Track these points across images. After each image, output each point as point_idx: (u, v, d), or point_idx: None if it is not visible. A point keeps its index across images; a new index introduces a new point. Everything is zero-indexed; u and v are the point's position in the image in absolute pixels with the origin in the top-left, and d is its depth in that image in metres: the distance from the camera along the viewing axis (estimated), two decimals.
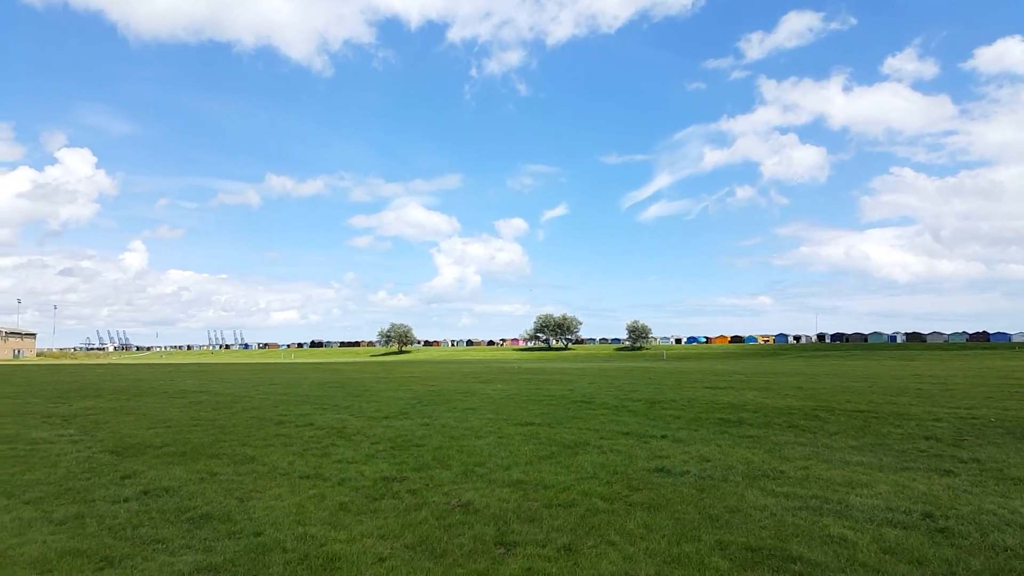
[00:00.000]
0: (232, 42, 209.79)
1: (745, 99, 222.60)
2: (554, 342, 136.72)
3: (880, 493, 7.10)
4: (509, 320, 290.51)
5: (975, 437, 10.73)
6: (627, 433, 11.43)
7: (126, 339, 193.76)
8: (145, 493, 7.20)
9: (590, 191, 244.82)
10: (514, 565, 4.95)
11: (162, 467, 8.68)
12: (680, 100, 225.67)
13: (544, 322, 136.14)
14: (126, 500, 6.90)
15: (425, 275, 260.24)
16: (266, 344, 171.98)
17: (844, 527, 5.85)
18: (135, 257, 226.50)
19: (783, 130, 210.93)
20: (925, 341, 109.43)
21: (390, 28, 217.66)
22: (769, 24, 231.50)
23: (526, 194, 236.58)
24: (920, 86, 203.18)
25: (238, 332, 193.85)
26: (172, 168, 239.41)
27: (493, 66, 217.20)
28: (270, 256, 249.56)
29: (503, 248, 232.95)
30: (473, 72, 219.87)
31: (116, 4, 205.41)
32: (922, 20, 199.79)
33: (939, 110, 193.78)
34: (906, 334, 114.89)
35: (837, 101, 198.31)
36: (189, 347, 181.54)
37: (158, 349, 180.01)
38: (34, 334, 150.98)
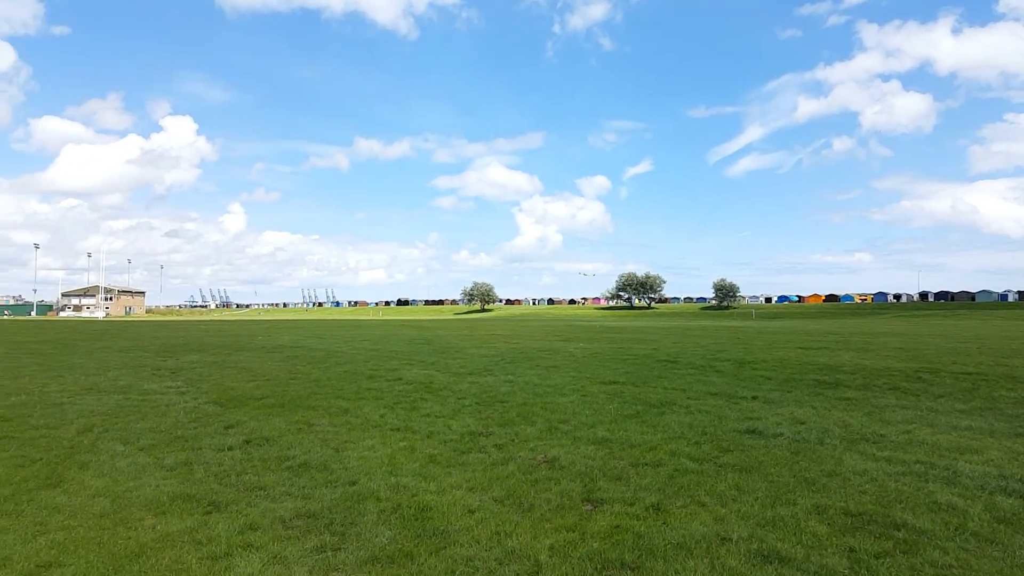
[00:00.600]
0: (321, 8, 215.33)
1: (843, 45, 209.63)
2: (637, 301, 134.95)
3: (992, 460, 6.64)
4: (592, 278, 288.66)
5: None
6: (715, 393, 11.17)
7: (226, 297, 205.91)
8: (247, 442, 7.60)
9: (676, 146, 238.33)
10: (602, 521, 4.93)
11: (262, 418, 9.14)
12: (772, 48, 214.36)
13: (627, 281, 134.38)
14: (230, 448, 7.29)
15: (506, 234, 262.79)
16: (356, 302, 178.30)
17: (952, 494, 5.50)
18: (234, 219, 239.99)
19: (885, 77, 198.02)
20: None
21: None
22: None
23: (609, 151, 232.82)
24: None
25: (329, 290, 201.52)
26: (267, 133, 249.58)
27: (576, 21, 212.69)
28: (358, 217, 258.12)
29: (585, 206, 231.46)
30: (556, 28, 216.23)
31: None
32: None
33: None
34: (1019, 292, 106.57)
35: (944, 45, 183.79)
36: (284, 304, 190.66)
37: (256, 307, 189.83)
38: (143, 292, 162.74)
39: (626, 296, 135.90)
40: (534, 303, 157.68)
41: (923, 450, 7.07)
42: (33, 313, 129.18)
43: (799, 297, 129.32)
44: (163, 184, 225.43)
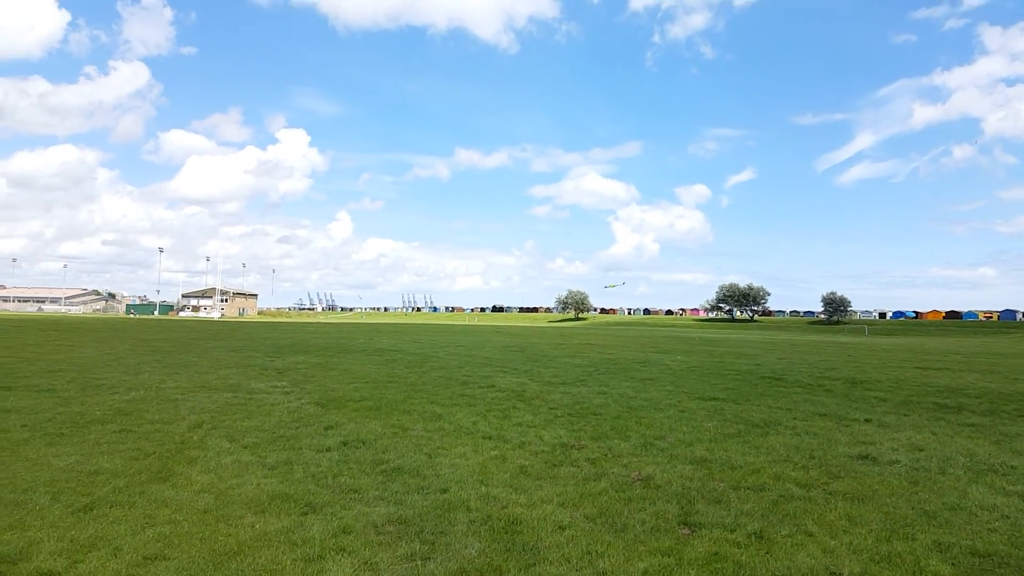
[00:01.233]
0: (427, 25, 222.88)
1: (963, 49, 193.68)
2: (738, 313, 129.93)
3: None
4: (690, 289, 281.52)
5: None
6: (824, 414, 10.49)
7: (332, 300, 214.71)
8: (345, 444, 7.78)
9: (780, 154, 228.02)
10: (700, 548, 4.67)
11: (360, 420, 9.37)
12: (885, 54, 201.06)
13: (728, 292, 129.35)
14: (328, 450, 7.49)
15: (602, 243, 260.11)
16: (453, 308, 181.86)
17: None
18: (341, 227, 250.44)
19: (1010, 82, 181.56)
20: None
21: (573, 2, 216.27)
22: None
23: (709, 159, 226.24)
24: None
25: (428, 296, 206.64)
26: (373, 145, 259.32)
27: (677, 30, 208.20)
28: (457, 225, 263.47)
29: (683, 215, 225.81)
30: (656, 38, 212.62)
31: None
32: None
33: None
34: None
35: None
36: (386, 308, 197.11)
37: (359, 310, 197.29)
38: (255, 295, 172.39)
39: (727, 308, 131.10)
40: (629, 312, 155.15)
41: None
42: (156, 313, 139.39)
43: (916, 313, 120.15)
44: (277, 193, 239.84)
